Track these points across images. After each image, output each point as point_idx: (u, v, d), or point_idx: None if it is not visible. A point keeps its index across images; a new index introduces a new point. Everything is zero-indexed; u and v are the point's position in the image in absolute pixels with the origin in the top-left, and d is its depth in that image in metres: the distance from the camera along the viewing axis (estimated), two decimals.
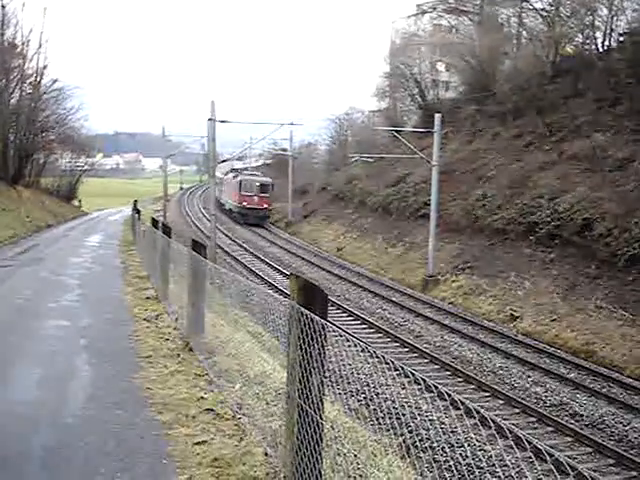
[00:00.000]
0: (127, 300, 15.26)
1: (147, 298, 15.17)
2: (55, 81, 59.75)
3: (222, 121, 36.09)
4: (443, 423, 13.65)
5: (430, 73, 65.83)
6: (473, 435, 11.99)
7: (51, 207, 55.59)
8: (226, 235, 50.38)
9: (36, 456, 6.03)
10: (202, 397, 7.64)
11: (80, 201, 75.17)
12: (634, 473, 12.82)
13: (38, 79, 54.94)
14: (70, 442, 6.36)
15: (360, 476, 5.05)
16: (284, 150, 73.54)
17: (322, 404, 4.71)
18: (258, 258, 39.63)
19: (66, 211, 59.75)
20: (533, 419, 15.38)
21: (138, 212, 31.88)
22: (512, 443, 7.50)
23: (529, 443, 2.91)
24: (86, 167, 77.30)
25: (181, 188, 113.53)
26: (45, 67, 55.41)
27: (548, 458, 2.92)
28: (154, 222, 18.25)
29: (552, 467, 3.97)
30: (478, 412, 3.24)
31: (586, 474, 2.64)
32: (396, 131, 44.04)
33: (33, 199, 51.88)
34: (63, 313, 13.58)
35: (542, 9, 48.18)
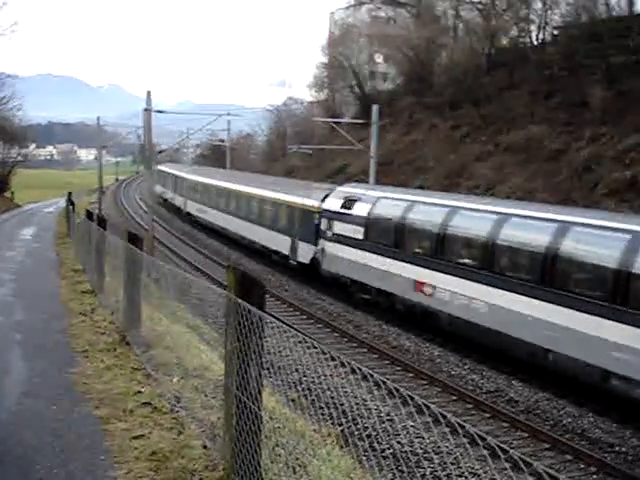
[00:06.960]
0: (62, 294, 15.00)
1: (82, 292, 14.92)
2: None
3: (158, 111, 35.68)
4: (381, 411, 13.77)
5: (368, 64, 66.24)
6: (411, 423, 12.12)
7: None
8: (164, 228, 49.75)
9: None
10: (139, 391, 7.56)
11: (13, 193, 73.32)
12: (568, 457, 13.17)
13: None
14: (4, 438, 6.24)
15: (299, 466, 5.07)
16: (222, 141, 72.88)
17: (260, 395, 4.72)
18: (196, 250, 39.25)
19: None
20: (470, 406, 15.67)
21: (73, 204, 31.36)
22: (447, 430, 7.64)
23: (462, 427, 2.96)
24: (19, 158, 75.37)
25: (117, 180, 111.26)
26: None
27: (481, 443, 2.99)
28: (89, 214, 17.94)
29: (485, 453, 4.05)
30: (412, 399, 3.28)
31: (516, 457, 2.70)
32: (335, 122, 44.23)
33: None
34: None
35: (478, 2, 49.05)
